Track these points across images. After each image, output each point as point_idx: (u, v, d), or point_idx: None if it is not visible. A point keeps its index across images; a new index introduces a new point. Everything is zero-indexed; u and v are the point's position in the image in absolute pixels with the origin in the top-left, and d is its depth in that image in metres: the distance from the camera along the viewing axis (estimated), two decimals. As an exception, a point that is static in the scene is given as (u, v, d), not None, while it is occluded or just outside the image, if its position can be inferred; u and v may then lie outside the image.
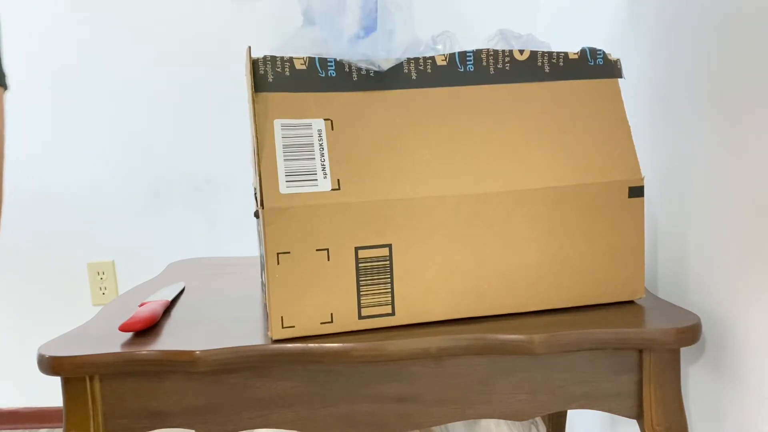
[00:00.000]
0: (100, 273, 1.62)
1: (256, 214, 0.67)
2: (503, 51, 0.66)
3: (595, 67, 0.69)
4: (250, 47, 0.61)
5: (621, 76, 0.69)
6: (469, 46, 0.77)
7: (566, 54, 0.68)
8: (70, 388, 0.61)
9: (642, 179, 0.67)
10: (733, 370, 0.66)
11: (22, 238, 1.61)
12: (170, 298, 0.75)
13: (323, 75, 0.63)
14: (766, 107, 0.59)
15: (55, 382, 1.66)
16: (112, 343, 0.62)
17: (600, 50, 0.69)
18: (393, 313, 0.63)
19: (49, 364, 0.59)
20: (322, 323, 0.62)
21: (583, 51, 0.68)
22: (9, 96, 0.56)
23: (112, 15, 1.54)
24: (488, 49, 0.66)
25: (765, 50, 0.59)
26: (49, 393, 1.67)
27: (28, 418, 1.67)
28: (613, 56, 0.70)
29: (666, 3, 0.78)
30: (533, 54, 0.67)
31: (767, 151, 0.59)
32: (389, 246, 0.62)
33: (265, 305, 0.73)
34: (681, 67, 0.75)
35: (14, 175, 1.59)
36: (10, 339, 1.65)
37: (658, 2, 0.80)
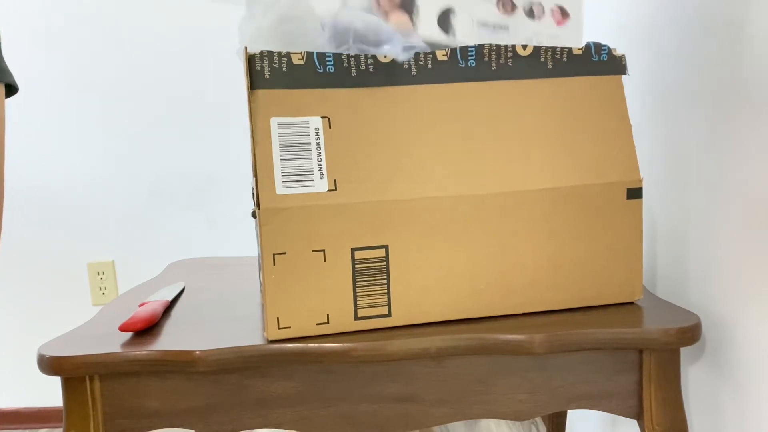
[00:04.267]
0: (100, 273, 1.62)
1: (254, 215, 0.67)
2: (506, 46, 0.65)
3: (599, 63, 0.68)
4: (246, 47, 0.60)
5: (625, 73, 0.68)
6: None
7: (570, 49, 0.67)
8: (70, 388, 0.61)
9: (641, 180, 0.66)
10: (733, 370, 0.66)
11: (23, 238, 1.61)
12: (170, 298, 0.75)
13: (321, 70, 0.62)
14: (766, 107, 0.59)
15: (55, 382, 1.66)
16: (112, 343, 0.62)
17: (605, 46, 0.68)
18: (389, 314, 0.63)
19: (49, 364, 0.59)
20: (318, 324, 0.62)
21: (587, 46, 0.67)
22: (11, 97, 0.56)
23: (112, 16, 1.54)
24: (490, 45, 0.65)
25: (766, 50, 0.59)
26: (49, 393, 1.67)
27: (28, 418, 1.67)
28: (618, 52, 0.69)
29: (668, 3, 0.78)
30: (536, 49, 0.66)
31: (767, 152, 0.59)
32: (386, 247, 0.62)
33: (262, 305, 0.73)
34: (681, 66, 0.75)
35: (14, 175, 1.59)
36: (10, 339, 1.65)
37: (659, 2, 0.80)
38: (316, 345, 0.60)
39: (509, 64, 0.66)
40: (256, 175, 0.59)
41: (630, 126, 0.68)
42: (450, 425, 1.57)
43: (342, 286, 0.61)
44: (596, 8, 1.05)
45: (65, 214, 1.60)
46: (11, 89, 0.66)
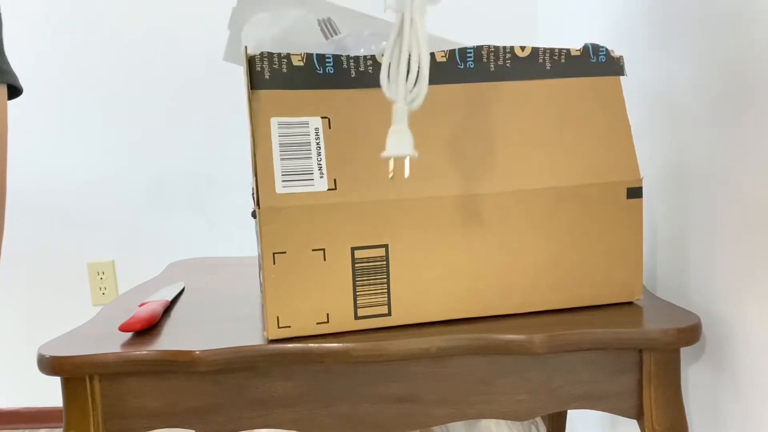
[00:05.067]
0: (100, 273, 1.62)
1: (254, 214, 0.67)
2: (504, 47, 0.66)
3: (597, 64, 0.68)
4: (246, 47, 0.60)
5: (623, 74, 0.69)
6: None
7: (568, 51, 0.67)
8: (70, 388, 0.61)
9: (641, 180, 0.66)
10: (733, 370, 0.66)
11: (23, 239, 1.61)
12: (170, 298, 0.75)
13: (321, 72, 0.62)
14: (766, 107, 0.59)
15: (55, 382, 1.66)
16: (112, 343, 0.62)
17: (603, 47, 0.68)
18: (389, 314, 0.63)
19: (49, 364, 0.59)
20: (318, 323, 0.62)
21: (585, 47, 0.68)
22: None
23: (112, 16, 1.54)
24: (489, 46, 0.65)
25: (766, 50, 0.59)
26: (49, 393, 1.67)
27: (28, 418, 1.67)
28: (616, 53, 0.69)
29: (667, 2, 0.78)
30: (535, 51, 0.66)
31: (767, 151, 0.59)
32: (385, 246, 0.62)
33: (262, 305, 0.73)
34: (681, 65, 0.75)
35: (15, 175, 1.59)
36: (10, 339, 1.65)
37: (659, 1, 0.80)
38: (317, 345, 0.60)
39: (507, 65, 0.66)
40: (256, 175, 0.60)
41: (629, 126, 0.68)
42: (450, 425, 1.57)
43: (342, 285, 0.62)
44: (596, 8, 1.05)
45: (65, 214, 1.60)
46: (15, 91, 0.65)
